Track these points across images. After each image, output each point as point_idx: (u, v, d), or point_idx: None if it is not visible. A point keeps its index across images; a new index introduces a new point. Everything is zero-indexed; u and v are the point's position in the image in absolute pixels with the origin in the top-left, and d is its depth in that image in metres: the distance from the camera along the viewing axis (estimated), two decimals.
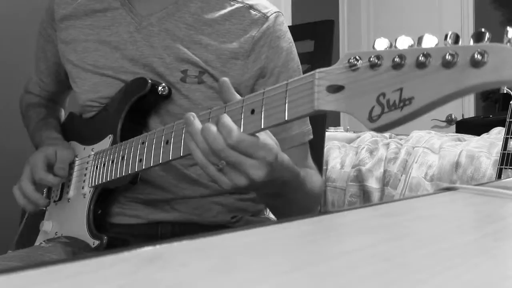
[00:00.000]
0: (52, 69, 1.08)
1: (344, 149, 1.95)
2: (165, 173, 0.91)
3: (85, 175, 0.92)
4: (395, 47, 0.48)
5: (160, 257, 0.30)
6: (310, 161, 0.94)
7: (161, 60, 0.90)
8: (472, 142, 1.72)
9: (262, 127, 0.60)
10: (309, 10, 3.17)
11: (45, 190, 1.00)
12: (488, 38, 0.43)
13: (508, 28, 0.43)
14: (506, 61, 0.41)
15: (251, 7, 0.92)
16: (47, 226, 0.96)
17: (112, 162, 0.85)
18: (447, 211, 0.49)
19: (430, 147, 1.74)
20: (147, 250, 0.31)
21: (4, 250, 1.00)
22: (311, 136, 0.95)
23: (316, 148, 1.00)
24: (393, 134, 2.00)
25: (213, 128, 0.62)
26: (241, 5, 0.92)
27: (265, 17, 0.91)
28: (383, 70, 0.48)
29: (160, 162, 0.74)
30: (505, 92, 2.45)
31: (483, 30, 0.43)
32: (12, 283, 0.25)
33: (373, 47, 0.49)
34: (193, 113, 0.66)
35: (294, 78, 0.57)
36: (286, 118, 0.58)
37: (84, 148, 0.96)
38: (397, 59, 0.47)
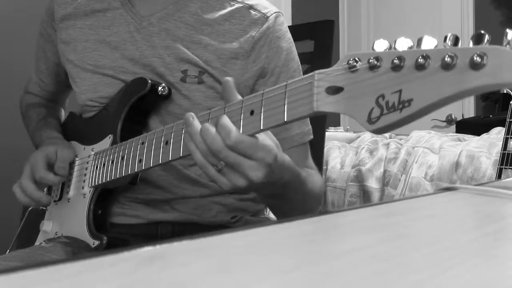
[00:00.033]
0: (52, 69, 1.08)
1: (344, 149, 1.96)
2: (165, 173, 0.91)
3: (85, 175, 0.92)
4: (395, 48, 0.48)
5: (160, 257, 0.30)
6: (310, 161, 0.94)
7: (161, 60, 0.90)
8: (472, 142, 1.72)
9: (261, 128, 0.60)
10: (309, 10, 3.17)
11: (45, 190, 1.00)
12: (487, 40, 0.43)
13: (508, 30, 0.43)
14: (505, 63, 0.41)
15: (251, 7, 0.92)
16: (47, 226, 0.97)
17: (112, 162, 0.85)
18: (447, 211, 0.49)
19: (430, 147, 1.74)
20: (147, 250, 0.31)
21: (4, 250, 1.00)
22: (311, 136, 0.95)
23: (316, 148, 1.00)
24: (393, 134, 2.00)
25: (212, 129, 0.62)
26: (241, 5, 0.92)
27: (265, 17, 0.91)
28: (382, 72, 0.48)
29: (160, 162, 0.74)
30: (505, 92, 2.46)
31: (482, 32, 0.43)
32: (12, 283, 0.25)
33: (373, 49, 0.49)
34: (192, 114, 0.66)
35: (294, 79, 0.57)
36: (285, 119, 0.58)
37: (84, 148, 0.96)
38: (396, 61, 0.47)
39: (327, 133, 1.31)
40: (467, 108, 3.23)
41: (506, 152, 1.38)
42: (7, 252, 0.98)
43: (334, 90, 0.52)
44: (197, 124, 0.65)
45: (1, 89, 1.74)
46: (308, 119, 0.93)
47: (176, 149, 0.71)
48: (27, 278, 0.26)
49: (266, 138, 0.64)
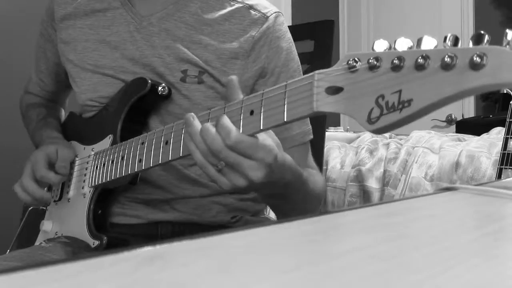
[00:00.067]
0: (52, 69, 1.08)
1: (344, 149, 1.96)
2: (165, 173, 0.91)
3: (85, 175, 0.93)
4: (394, 48, 0.48)
5: (160, 257, 0.30)
6: (311, 161, 0.94)
7: (161, 60, 0.90)
8: (472, 142, 1.72)
9: (261, 128, 0.60)
10: (309, 10, 3.17)
11: (45, 190, 1.00)
12: (487, 40, 0.43)
13: (507, 30, 0.43)
14: (505, 63, 0.41)
15: (251, 7, 0.92)
16: (47, 226, 0.97)
17: (112, 162, 0.85)
18: (447, 211, 0.49)
19: (430, 147, 1.74)
20: (147, 250, 0.31)
21: (4, 250, 1.00)
22: (312, 136, 0.95)
23: (316, 148, 1.00)
24: (393, 134, 2.00)
25: (212, 128, 0.62)
26: (241, 5, 0.92)
27: (265, 17, 0.91)
28: (382, 72, 0.48)
29: (160, 162, 0.74)
30: (505, 92, 2.46)
31: (482, 32, 0.43)
32: (12, 283, 0.25)
33: (372, 49, 0.49)
34: (192, 114, 0.66)
35: (294, 79, 0.57)
36: (285, 119, 0.58)
37: (84, 148, 0.96)
38: (396, 61, 0.47)
39: (327, 133, 1.31)
40: (467, 108, 3.23)
41: (506, 152, 1.38)
42: (7, 252, 0.98)
43: (334, 90, 0.52)
44: (197, 124, 0.65)
45: (1, 89, 1.74)
46: (308, 119, 0.93)
47: (176, 149, 0.71)
48: (27, 278, 0.26)
49: (267, 138, 0.64)
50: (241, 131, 0.62)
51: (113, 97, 0.93)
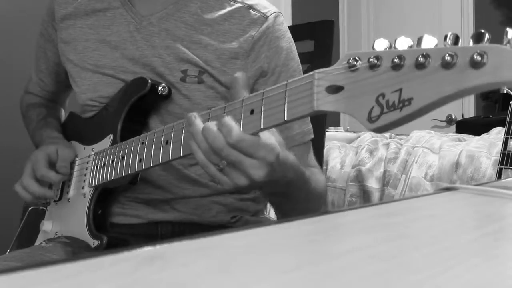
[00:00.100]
0: (52, 69, 1.08)
1: (344, 149, 1.96)
2: (165, 173, 0.91)
3: (85, 175, 0.93)
4: (395, 47, 0.48)
5: (160, 257, 0.30)
6: (313, 159, 0.94)
7: (161, 59, 0.90)
8: (472, 142, 1.72)
9: (262, 127, 0.60)
10: (309, 10, 3.17)
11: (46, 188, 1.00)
12: (487, 39, 0.43)
13: (508, 29, 0.43)
14: (505, 62, 0.41)
15: (250, 7, 0.92)
16: (47, 226, 0.97)
17: (112, 162, 0.85)
18: (447, 211, 0.49)
19: (430, 147, 1.74)
20: (147, 250, 0.31)
21: (4, 250, 1.00)
22: (312, 136, 0.95)
23: (316, 148, 1.00)
24: (393, 134, 2.00)
25: (214, 127, 0.62)
26: (241, 5, 0.92)
27: (264, 17, 0.91)
28: (382, 71, 0.48)
29: (160, 162, 0.74)
30: (505, 92, 2.45)
31: (482, 31, 0.43)
32: (12, 283, 0.25)
33: (373, 48, 0.49)
34: (194, 113, 0.66)
35: (294, 78, 0.57)
36: (285, 119, 0.58)
37: (84, 148, 0.96)
38: (396, 60, 0.47)
39: (327, 133, 1.31)
40: (467, 108, 3.23)
41: (506, 152, 1.38)
42: (7, 252, 0.98)
43: (334, 89, 0.52)
44: (199, 123, 0.65)
45: (1, 89, 1.74)
46: (309, 118, 0.93)
47: (176, 148, 0.71)
48: (27, 278, 0.26)
49: (270, 137, 0.64)
50: (241, 130, 0.62)
51: (113, 97, 0.93)
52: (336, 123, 3.12)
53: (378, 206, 0.50)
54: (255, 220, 0.99)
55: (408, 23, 3.42)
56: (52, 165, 0.91)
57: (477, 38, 0.43)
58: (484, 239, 0.37)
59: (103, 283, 0.25)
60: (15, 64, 1.75)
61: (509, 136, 1.38)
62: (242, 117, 0.62)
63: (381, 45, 0.49)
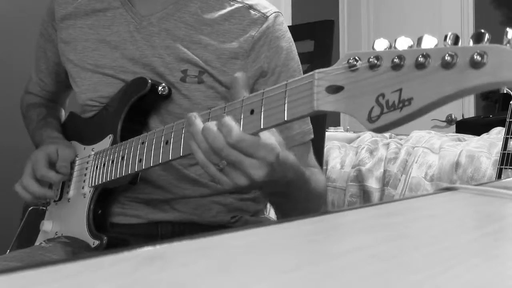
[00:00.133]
0: (52, 69, 1.08)
1: (344, 149, 1.95)
2: (165, 173, 0.91)
3: (85, 175, 0.93)
4: (395, 47, 0.48)
5: (160, 257, 0.30)
6: (313, 159, 0.95)
7: (161, 59, 0.90)
8: (472, 142, 1.72)
9: (262, 127, 0.60)
10: (309, 10, 3.17)
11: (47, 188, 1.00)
12: (487, 39, 0.43)
13: (508, 29, 0.43)
14: (505, 62, 0.41)
15: (250, 7, 0.92)
16: (47, 226, 0.97)
17: (112, 162, 0.85)
18: (447, 211, 0.49)
19: (430, 147, 1.74)
20: (147, 250, 0.31)
21: (4, 250, 1.00)
22: (312, 136, 0.95)
23: (316, 148, 1.00)
24: (393, 134, 2.00)
25: (214, 127, 0.62)
26: (241, 5, 0.92)
27: (264, 17, 0.91)
28: (382, 71, 0.48)
29: (160, 162, 0.74)
30: (505, 92, 2.45)
31: (482, 31, 0.43)
32: (12, 283, 0.25)
33: (373, 48, 0.49)
34: (194, 113, 0.66)
35: (294, 78, 0.57)
36: (285, 119, 0.58)
37: (84, 148, 0.96)
38: (396, 60, 0.47)
39: (327, 133, 1.31)
40: (467, 108, 3.23)
41: (506, 152, 1.38)
42: (7, 252, 0.98)
43: (334, 89, 0.52)
44: (199, 123, 0.65)
45: (1, 89, 1.74)
46: (309, 118, 0.93)
47: (176, 148, 0.71)
48: (27, 278, 0.26)
49: (270, 137, 0.64)
50: (241, 130, 0.62)
51: (113, 97, 0.93)
52: (336, 123, 3.12)
53: (378, 206, 0.50)
54: (255, 220, 0.99)
55: (408, 23, 3.42)
56: (52, 165, 0.91)
57: (477, 38, 0.43)
58: (484, 239, 0.37)
59: (103, 283, 0.25)
60: (15, 64, 1.75)
61: (509, 136, 1.38)
62: (242, 117, 0.62)
63: (381, 45, 0.49)
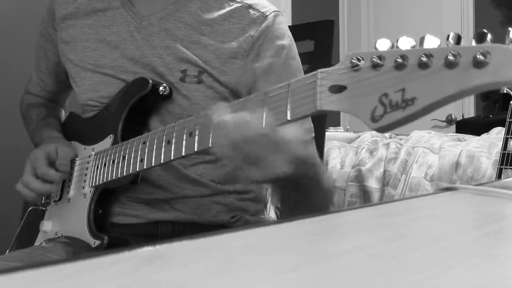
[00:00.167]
0: (53, 69, 1.08)
1: (344, 149, 1.95)
2: (165, 173, 0.91)
3: (85, 175, 0.92)
4: (397, 47, 0.48)
5: (160, 257, 0.30)
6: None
7: (161, 59, 0.90)
8: (472, 142, 1.72)
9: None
10: (309, 10, 3.17)
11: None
12: (490, 39, 0.43)
13: (510, 29, 0.43)
14: (508, 61, 0.41)
15: (250, 6, 0.92)
16: (47, 226, 0.97)
17: (113, 162, 0.85)
18: (447, 211, 0.49)
19: (430, 147, 1.74)
20: (147, 250, 0.31)
21: (3, 250, 1.00)
22: (313, 134, 0.95)
23: (316, 148, 1.00)
24: (393, 134, 2.00)
25: (234, 120, 0.61)
26: (240, 4, 0.92)
27: (264, 16, 0.91)
28: (386, 71, 0.48)
29: (162, 162, 0.74)
30: (505, 92, 2.45)
31: (485, 30, 0.43)
32: (12, 283, 0.25)
33: (375, 48, 0.49)
34: (216, 105, 0.65)
35: (295, 77, 0.57)
36: (288, 118, 0.58)
37: (85, 148, 0.96)
38: (399, 60, 0.47)
39: (327, 133, 1.31)
40: (467, 108, 3.23)
41: (506, 152, 1.38)
42: (7, 252, 0.98)
43: (337, 89, 0.52)
44: (218, 117, 0.63)
45: (1, 89, 1.74)
46: (310, 117, 0.93)
47: (178, 148, 0.71)
48: (27, 278, 0.26)
49: (292, 133, 0.63)
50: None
51: (114, 97, 0.93)
52: (336, 123, 3.12)
53: (378, 206, 0.50)
54: (255, 220, 0.99)
55: (408, 23, 3.41)
56: (51, 163, 0.91)
57: (479, 37, 0.43)
58: (484, 239, 0.37)
59: (103, 283, 0.25)
60: (15, 64, 1.75)
61: (509, 136, 1.38)
62: None
63: (383, 45, 0.49)
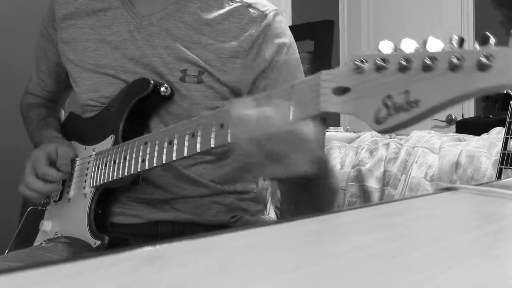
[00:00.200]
0: (53, 69, 1.08)
1: (344, 149, 1.95)
2: (165, 173, 0.91)
3: (86, 175, 0.92)
4: (400, 49, 0.48)
5: (160, 257, 0.30)
6: None
7: (161, 59, 0.90)
8: (472, 142, 1.72)
9: None
10: (309, 10, 3.17)
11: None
12: (493, 42, 0.43)
13: None
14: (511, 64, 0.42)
15: (249, 5, 0.92)
16: (47, 226, 0.96)
17: (114, 162, 0.85)
18: (447, 211, 0.49)
19: (430, 147, 1.74)
20: (147, 250, 0.31)
21: (3, 250, 1.00)
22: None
23: None
24: (393, 134, 2.00)
25: (256, 116, 0.61)
26: (240, 4, 0.92)
27: (263, 15, 0.91)
28: (389, 73, 0.48)
29: (164, 162, 0.74)
30: (505, 92, 2.45)
31: (488, 33, 0.43)
32: (12, 283, 0.25)
33: (378, 50, 0.49)
34: (238, 100, 0.64)
35: (295, 75, 0.58)
36: (291, 120, 0.58)
37: (85, 148, 0.96)
38: (403, 62, 0.47)
39: (327, 133, 1.31)
40: (467, 108, 3.23)
41: (506, 152, 1.38)
42: (6, 253, 0.98)
43: (341, 91, 0.52)
44: (241, 112, 0.63)
45: (1, 89, 1.74)
46: None
47: (180, 149, 0.71)
48: (27, 278, 0.26)
49: (311, 132, 0.63)
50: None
51: (114, 97, 0.93)
52: (336, 123, 3.12)
53: (378, 206, 0.50)
54: (255, 220, 0.99)
55: (408, 23, 3.41)
56: (52, 163, 0.91)
57: (483, 40, 0.43)
58: (484, 239, 0.37)
59: (103, 283, 0.25)
60: (15, 64, 1.75)
61: (509, 136, 1.38)
62: None
63: (386, 47, 0.49)
